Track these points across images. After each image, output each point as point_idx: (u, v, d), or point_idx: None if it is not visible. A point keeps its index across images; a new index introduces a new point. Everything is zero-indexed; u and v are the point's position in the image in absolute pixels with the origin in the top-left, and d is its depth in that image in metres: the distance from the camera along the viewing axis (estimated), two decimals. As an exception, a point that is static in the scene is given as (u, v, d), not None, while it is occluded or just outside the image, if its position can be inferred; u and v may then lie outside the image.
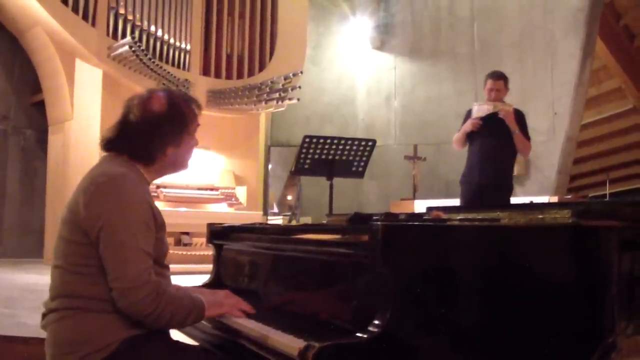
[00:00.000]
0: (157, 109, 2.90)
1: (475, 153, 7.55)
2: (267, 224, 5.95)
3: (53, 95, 10.98)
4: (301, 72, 11.98)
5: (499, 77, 7.63)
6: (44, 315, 2.80)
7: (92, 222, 2.66)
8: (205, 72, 11.83)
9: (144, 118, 2.88)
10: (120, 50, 10.12)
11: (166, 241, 2.95)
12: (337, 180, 7.45)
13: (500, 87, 7.58)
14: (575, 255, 2.62)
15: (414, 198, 12.49)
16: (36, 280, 8.15)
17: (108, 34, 10.42)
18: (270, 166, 14.91)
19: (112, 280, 2.62)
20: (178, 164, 3.00)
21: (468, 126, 7.51)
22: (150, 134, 2.87)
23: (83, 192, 2.72)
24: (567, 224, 2.73)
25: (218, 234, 3.84)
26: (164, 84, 10.44)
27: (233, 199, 11.39)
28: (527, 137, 7.63)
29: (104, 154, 2.95)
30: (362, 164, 7.46)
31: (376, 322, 2.23)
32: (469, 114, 7.71)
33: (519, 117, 7.59)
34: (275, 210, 15.02)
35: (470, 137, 7.61)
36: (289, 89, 11.40)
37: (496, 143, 7.46)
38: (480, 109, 7.53)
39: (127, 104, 2.94)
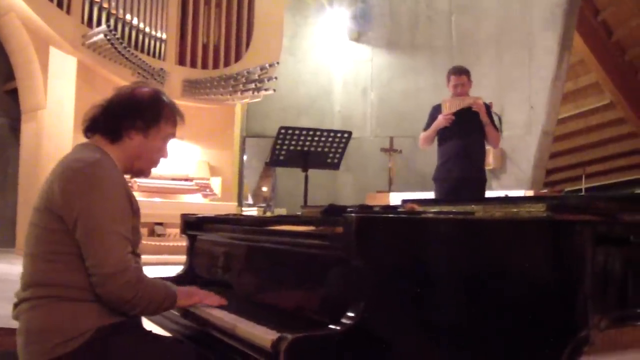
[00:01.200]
0: (139, 94, 2.96)
1: (448, 148, 7.59)
2: (241, 215, 5.95)
3: (26, 83, 10.91)
4: (277, 63, 11.97)
5: (462, 72, 7.73)
6: (15, 305, 2.78)
7: (69, 208, 2.65)
8: (181, 61, 11.79)
9: (124, 98, 2.95)
10: (95, 38, 10.06)
11: (140, 229, 2.95)
12: (312, 172, 7.46)
13: (464, 82, 7.67)
14: (549, 249, 2.64)
15: (390, 191, 12.52)
16: (8, 270, 8.11)
17: (83, 22, 10.35)
18: (245, 157, 14.89)
19: (93, 266, 2.62)
20: (142, 160, 3.01)
21: (441, 122, 7.52)
22: (122, 111, 2.91)
23: (59, 178, 2.71)
24: (541, 218, 2.75)
25: (192, 224, 3.84)
26: (139, 73, 10.40)
27: (207, 190, 11.37)
28: (495, 128, 7.74)
29: (78, 142, 2.96)
30: (338, 155, 7.48)
31: (349, 314, 2.23)
32: (434, 110, 7.76)
33: (487, 108, 7.68)
34: (250, 201, 15.01)
35: (439, 133, 7.65)
36: (265, 79, 11.39)
37: (468, 137, 7.52)
38: (452, 104, 7.56)
39: (117, 90, 3.03)
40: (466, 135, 7.50)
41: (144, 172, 3.08)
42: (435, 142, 7.75)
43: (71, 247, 2.66)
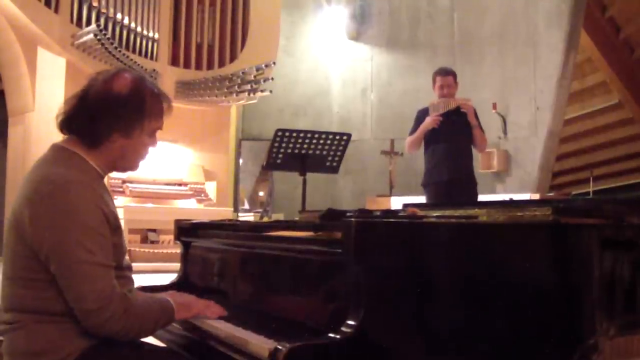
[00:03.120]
0: (117, 88, 2.75)
1: (437, 152, 7.66)
2: (237, 220, 5.95)
3: (13, 84, 10.91)
4: (274, 63, 11.97)
5: (448, 73, 7.81)
6: None
7: (39, 239, 2.54)
8: (174, 62, 11.77)
9: (101, 94, 2.74)
10: (85, 38, 10.05)
11: (124, 243, 2.85)
12: (310, 176, 7.45)
13: (450, 83, 7.74)
14: (555, 254, 2.64)
15: (391, 194, 12.52)
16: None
17: (72, 21, 10.33)
18: (241, 161, 14.90)
19: (72, 301, 2.52)
20: (126, 160, 2.86)
21: (429, 123, 7.59)
22: (99, 112, 2.72)
23: (28, 203, 2.59)
24: (546, 222, 2.75)
25: (186, 231, 3.84)
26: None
27: (202, 195, 11.37)
28: (482, 131, 7.82)
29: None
30: (337, 158, 7.46)
31: (349, 322, 2.24)
32: (421, 114, 7.82)
33: (474, 111, 7.73)
34: (247, 206, 15.03)
35: (426, 137, 7.72)
36: (261, 80, 11.39)
37: (457, 139, 7.61)
38: (439, 105, 7.63)
39: (92, 78, 2.82)
40: (454, 137, 7.57)
41: (131, 169, 2.95)
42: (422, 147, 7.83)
43: (44, 274, 2.56)
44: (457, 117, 7.58)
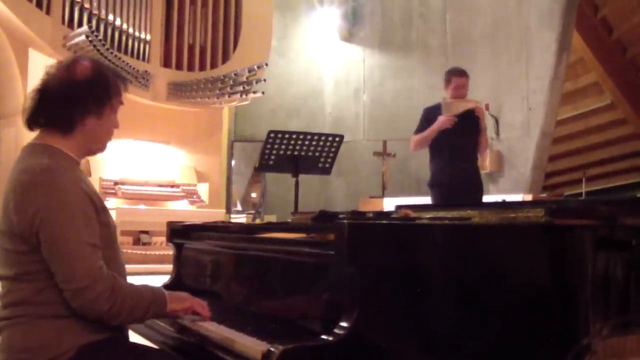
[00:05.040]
0: (80, 73, 2.83)
1: (445, 153, 7.63)
2: (229, 222, 5.94)
3: (4, 86, 10.87)
4: (266, 64, 11.93)
5: (463, 74, 7.82)
6: None
7: (26, 225, 2.59)
8: (166, 63, 11.73)
9: (65, 82, 2.81)
10: (77, 40, 10.02)
11: (112, 222, 2.90)
12: (303, 177, 7.45)
13: (465, 84, 7.77)
14: (548, 255, 2.65)
15: (383, 196, 12.51)
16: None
17: (63, 23, 10.29)
18: (233, 162, 14.88)
19: (62, 282, 2.57)
20: (97, 141, 2.92)
21: (444, 123, 7.52)
22: (70, 99, 2.79)
23: (12, 195, 2.65)
24: (539, 223, 2.75)
25: (178, 232, 3.84)
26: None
27: (194, 196, 11.35)
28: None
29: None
30: (329, 160, 7.47)
31: (342, 323, 2.24)
32: (430, 112, 7.78)
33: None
34: (239, 208, 15.00)
35: (435, 136, 7.67)
36: (254, 81, 11.35)
37: (466, 141, 7.60)
38: (454, 106, 7.58)
39: (47, 71, 2.90)
40: (463, 139, 7.55)
41: (101, 150, 2.99)
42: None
43: (40, 265, 2.61)
44: (467, 118, 7.58)
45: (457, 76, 7.75)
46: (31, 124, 2.88)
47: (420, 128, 7.77)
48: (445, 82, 7.83)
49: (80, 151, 2.89)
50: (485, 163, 13.10)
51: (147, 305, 2.72)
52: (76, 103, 2.79)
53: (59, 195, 2.61)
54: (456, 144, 7.55)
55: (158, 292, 2.79)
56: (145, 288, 2.78)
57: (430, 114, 7.74)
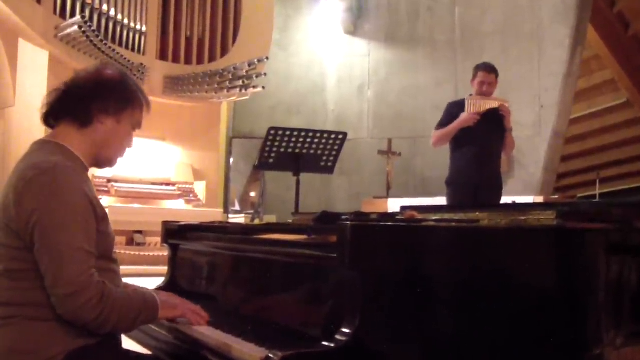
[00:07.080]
0: (108, 75, 2.92)
1: (467, 152, 7.61)
2: (227, 222, 5.95)
3: (-7, 78, 10.88)
4: (267, 58, 11.92)
5: (492, 70, 7.75)
6: None
7: (23, 221, 2.60)
8: (163, 56, 11.71)
9: (93, 78, 2.90)
10: (69, 30, 10.00)
11: (111, 232, 2.90)
12: (304, 176, 7.45)
13: (492, 81, 7.70)
14: (559, 260, 2.64)
15: (388, 196, 12.49)
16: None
17: (55, 13, 10.25)
18: (232, 160, 14.86)
19: (50, 286, 2.57)
20: (108, 146, 2.95)
21: (467, 120, 7.52)
22: (92, 93, 2.87)
23: (13, 191, 2.66)
24: (550, 226, 2.75)
25: (174, 233, 3.85)
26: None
27: (191, 195, 11.34)
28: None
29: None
30: (332, 158, 7.46)
31: (344, 329, 2.24)
32: (453, 107, 7.75)
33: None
34: (237, 207, 14.98)
35: (456, 134, 7.64)
36: (254, 76, 11.34)
37: (489, 141, 7.56)
38: (479, 103, 7.56)
39: (76, 72, 2.97)
40: (487, 139, 7.53)
41: (110, 162, 3.03)
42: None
43: (34, 265, 2.61)
44: (492, 117, 7.56)
45: (484, 71, 7.72)
46: (48, 117, 2.91)
47: (441, 123, 7.76)
48: (472, 77, 7.81)
49: (90, 153, 2.91)
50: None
51: (136, 314, 2.72)
52: (98, 98, 2.86)
53: (60, 195, 2.62)
54: (480, 144, 7.54)
55: (149, 299, 2.79)
56: (136, 294, 2.78)
57: (453, 109, 7.73)
